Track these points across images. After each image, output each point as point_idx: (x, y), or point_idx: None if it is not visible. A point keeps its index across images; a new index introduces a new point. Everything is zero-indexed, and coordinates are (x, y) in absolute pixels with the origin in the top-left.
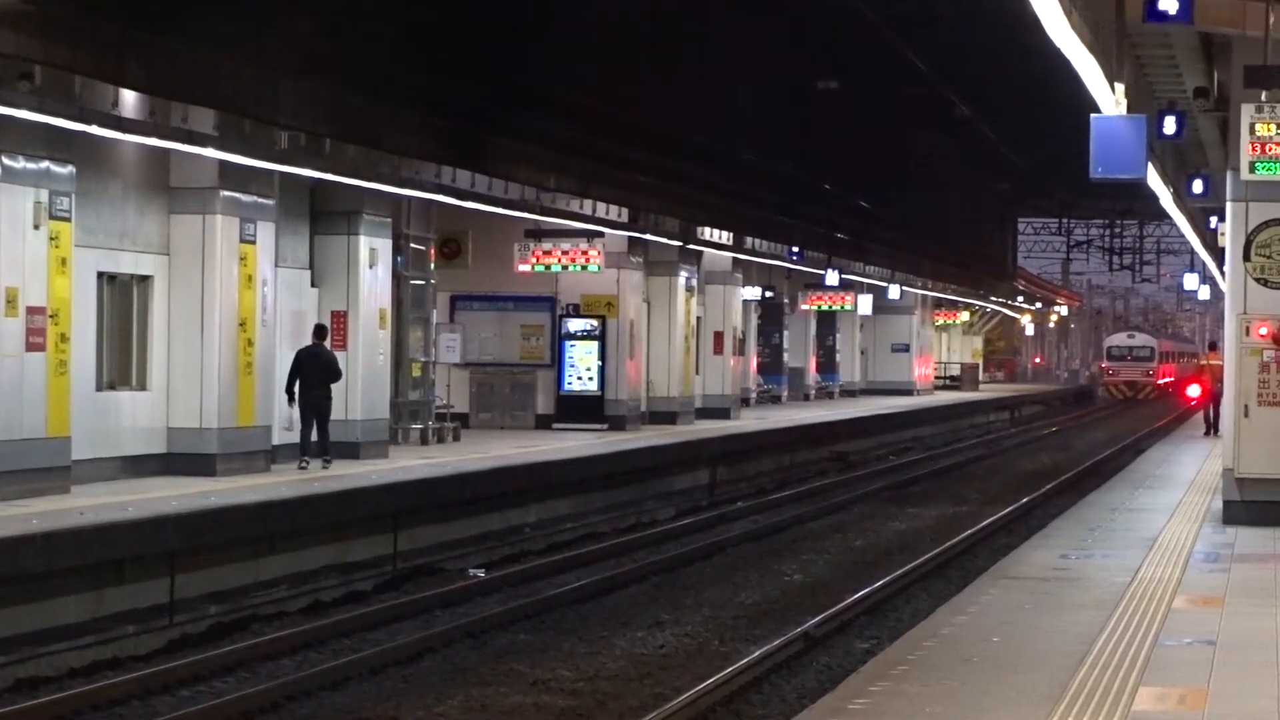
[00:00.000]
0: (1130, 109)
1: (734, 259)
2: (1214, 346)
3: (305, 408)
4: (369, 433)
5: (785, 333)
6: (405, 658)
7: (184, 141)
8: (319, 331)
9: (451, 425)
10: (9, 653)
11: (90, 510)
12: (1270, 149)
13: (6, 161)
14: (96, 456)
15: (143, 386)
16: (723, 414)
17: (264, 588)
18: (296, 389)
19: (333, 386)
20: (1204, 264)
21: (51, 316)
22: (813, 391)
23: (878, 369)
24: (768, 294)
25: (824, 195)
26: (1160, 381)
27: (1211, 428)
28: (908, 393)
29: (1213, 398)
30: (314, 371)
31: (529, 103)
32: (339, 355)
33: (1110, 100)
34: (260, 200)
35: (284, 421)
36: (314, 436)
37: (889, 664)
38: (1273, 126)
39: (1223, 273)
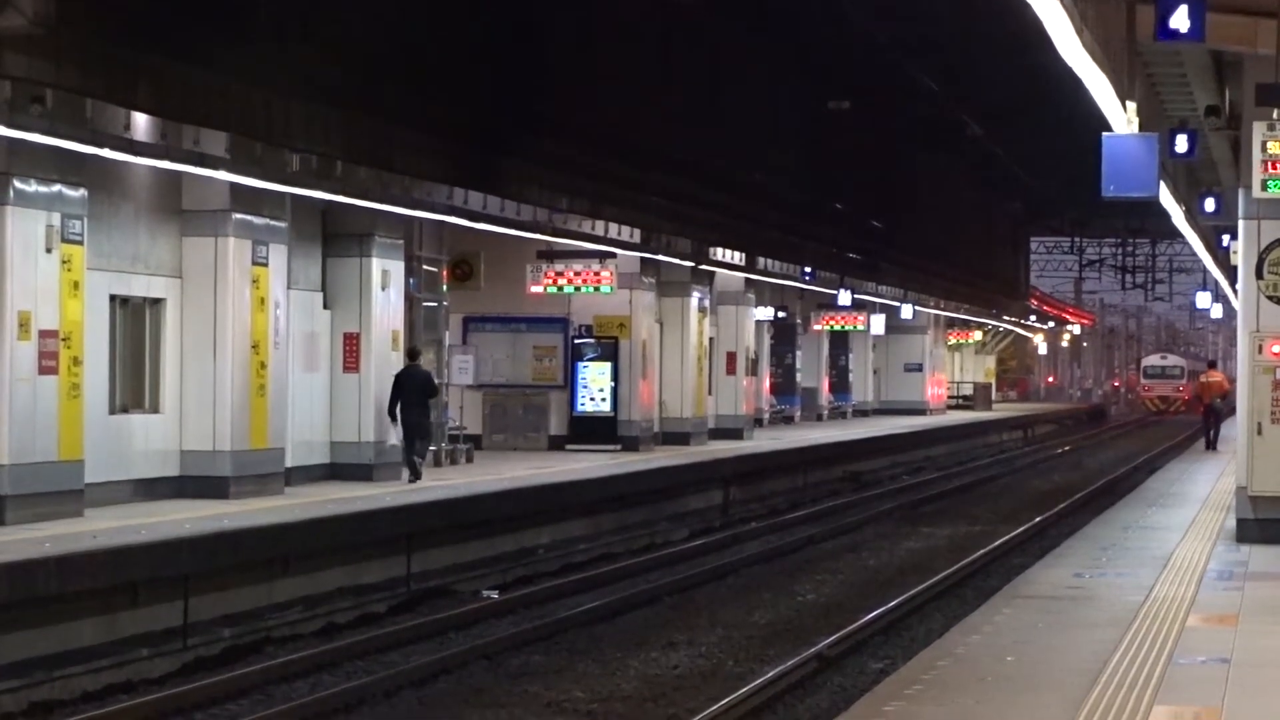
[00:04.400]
0: (1142, 127)
1: (746, 279)
2: (1213, 365)
3: (407, 425)
4: (382, 454)
5: (798, 353)
6: (420, 679)
7: (195, 164)
8: (412, 353)
9: (465, 447)
10: (23, 676)
11: (103, 533)
12: None
13: (19, 185)
14: (109, 480)
15: (155, 409)
16: (736, 434)
17: (278, 610)
18: (398, 410)
19: (359, 409)
20: (1216, 282)
21: (64, 340)
22: (826, 411)
23: (891, 389)
24: (780, 314)
25: (836, 215)
26: (1187, 397)
27: (1210, 444)
28: (921, 412)
29: (1210, 414)
30: (412, 391)
31: (540, 125)
32: (350, 378)
33: (1122, 119)
34: (272, 223)
35: (392, 438)
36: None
37: (903, 684)
38: None
39: (1235, 291)
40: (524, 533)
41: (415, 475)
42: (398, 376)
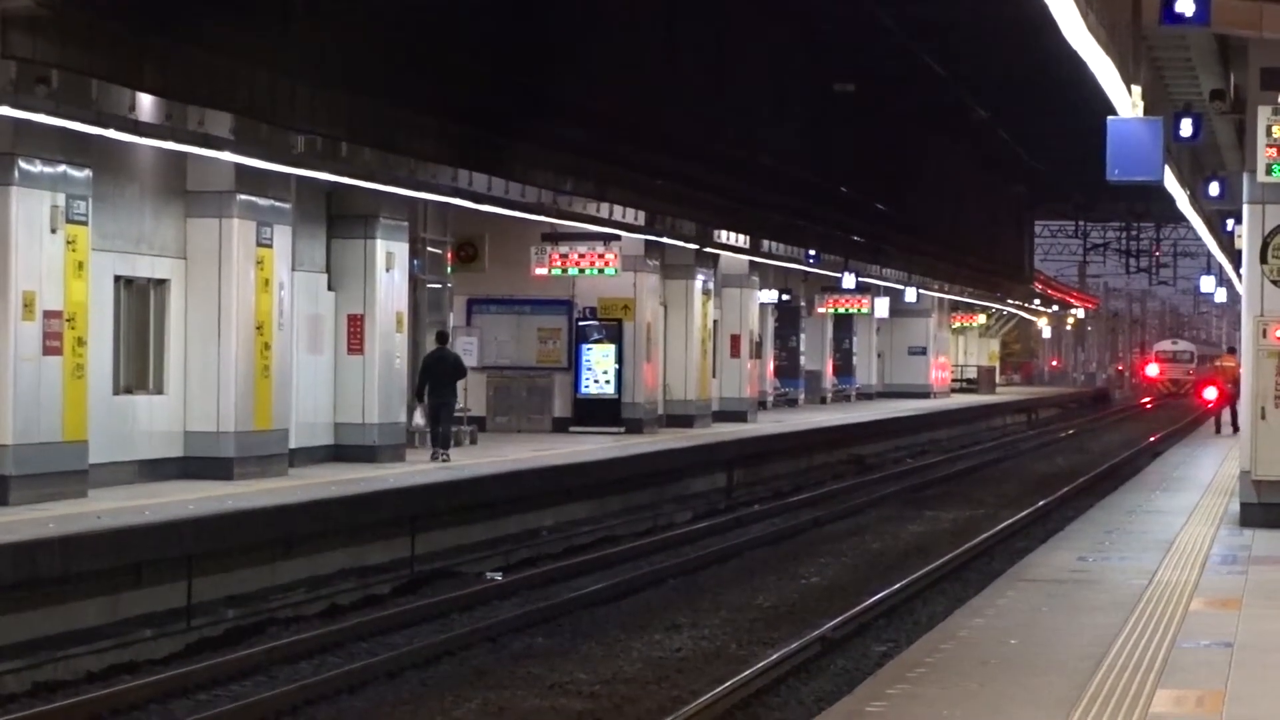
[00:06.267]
0: (1147, 111)
1: (751, 262)
2: (1232, 351)
3: (435, 407)
4: (386, 436)
5: (802, 336)
6: (423, 661)
7: (200, 145)
8: (441, 337)
9: (469, 429)
10: (27, 656)
11: (107, 514)
12: None
13: (23, 165)
14: (113, 460)
15: (159, 390)
16: (740, 417)
17: (281, 591)
18: (426, 391)
19: (362, 391)
20: (1221, 266)
21: (68, 320)
22: (829, 394)
23: (894, 372)
24: (784, 297)
25: (841, 198)
26: (1196, 379)
27: (1232, 427)
28: (924, 395)
29: (1230, 399)
30: (442, 373)
31: (544, 107)
32: (354, 360)
33: (1127, 102)
34: (277, 204)
35: (418, 419)
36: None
37: (906, 667)
38: None
39: (1239, 275)
40: (527, 515)
41: (444, 455)
42: (426, 359)
